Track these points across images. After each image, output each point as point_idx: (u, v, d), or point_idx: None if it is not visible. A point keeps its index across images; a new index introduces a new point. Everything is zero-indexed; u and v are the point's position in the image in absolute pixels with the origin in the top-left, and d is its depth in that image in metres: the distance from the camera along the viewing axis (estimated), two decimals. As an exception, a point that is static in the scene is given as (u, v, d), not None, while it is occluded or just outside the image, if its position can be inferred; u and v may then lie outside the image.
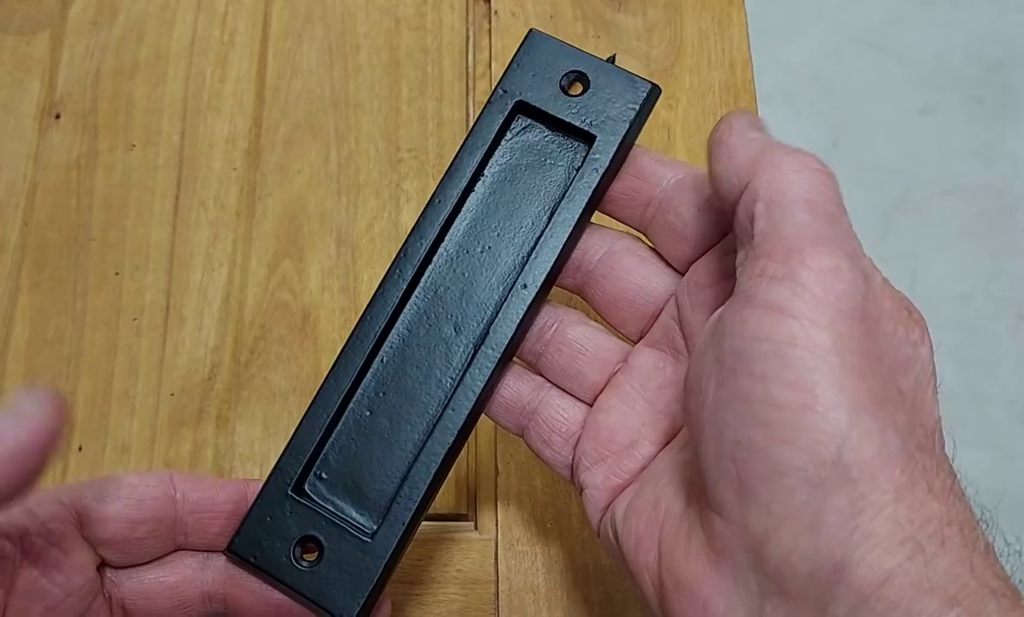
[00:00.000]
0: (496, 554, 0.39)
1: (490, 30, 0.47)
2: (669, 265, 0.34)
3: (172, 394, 0.41)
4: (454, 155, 0.34)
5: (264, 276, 0.43)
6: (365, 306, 0.33)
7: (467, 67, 0.47)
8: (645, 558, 0.29)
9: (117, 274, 0.43)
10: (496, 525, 0.39)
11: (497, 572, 0.38)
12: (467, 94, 0.46)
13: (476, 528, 0.39)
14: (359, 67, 0.47)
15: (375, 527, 0.31)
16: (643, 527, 0.29)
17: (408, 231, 0.34)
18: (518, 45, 0.35)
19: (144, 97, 0.47)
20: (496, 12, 0.48)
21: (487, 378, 0.32)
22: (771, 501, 0.25)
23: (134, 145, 0.46)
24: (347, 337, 0.33)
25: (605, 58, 0.35)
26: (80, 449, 0.40)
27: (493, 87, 0.35)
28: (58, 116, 0.46)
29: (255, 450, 0.40)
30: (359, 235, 0.44)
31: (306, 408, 0.33)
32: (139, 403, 0.41)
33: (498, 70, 0.46)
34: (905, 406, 0.25)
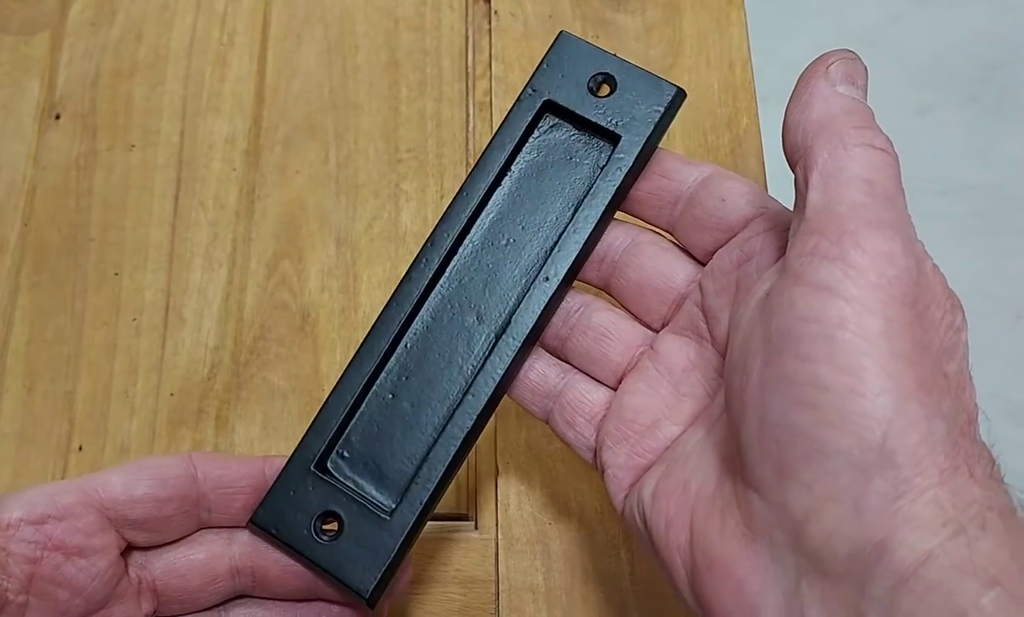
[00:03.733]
0: (496, 554, 0.39)
1: (490, 30, 0.47)
2: (692, 257, 0.34)
3: (172, 394, 0.41)
4: (482, 150, 0.35)
5: (263, 276, 0.43)
6: (391, 293, 0.34)
7: (466, 67, 0.47)
8: (676, 539, 0.29)
9: (116, 274, 0.43)
10: (496, 525, 0.39)
11: (497, 572, 0.38)
12: (466, 94, 0.46)
13: (476, 528, 0.39)
14: (358, 67, 0.47)
15: (394, 505, 0.32)
16: (673, 508, 0.29)
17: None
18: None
19: (143, 97, 0.47)
20: (496, 12, 0.48)
21: (507, 366, 0.33)
22: (813, 482, 0.25)
23: (133, 145, 0.46)
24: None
25: None
26: (80, 449, 0.40)
27: (522, 88, 0.36)
28: (58, 116, 0.46)
29: (254, 450, 0.40)
30: (358, 235, 0.44)
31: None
32: (139, 403, 0.41)
33: (498, 70, 0.46)
34: (951, 392, 0.25)
